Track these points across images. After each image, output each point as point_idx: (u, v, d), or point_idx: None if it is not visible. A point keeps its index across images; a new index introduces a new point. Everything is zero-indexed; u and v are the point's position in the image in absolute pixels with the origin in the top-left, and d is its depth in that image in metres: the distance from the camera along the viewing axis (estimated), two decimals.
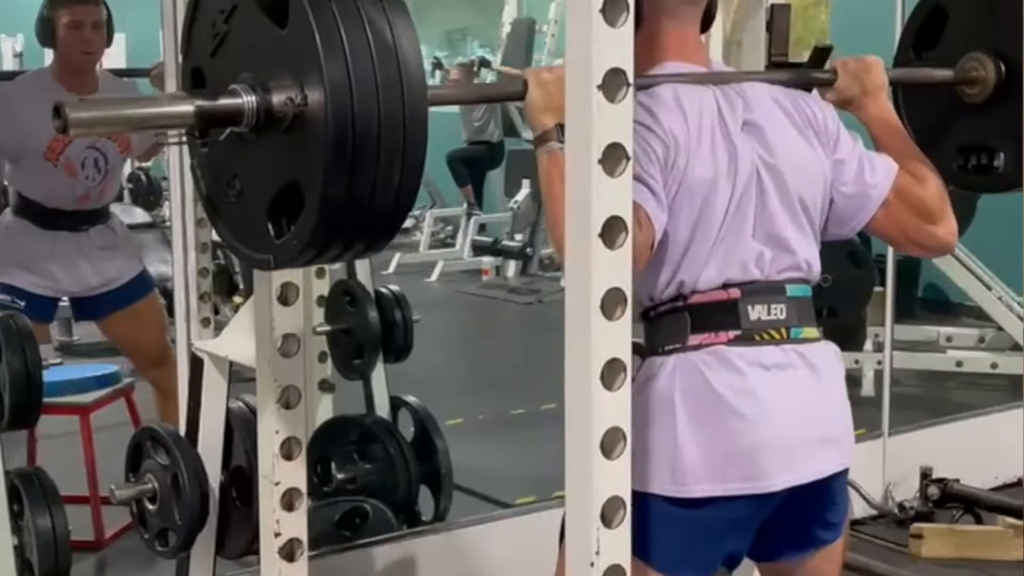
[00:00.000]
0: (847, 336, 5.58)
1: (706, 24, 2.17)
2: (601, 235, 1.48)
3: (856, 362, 5.68)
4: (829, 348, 2.11)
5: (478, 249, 9.01)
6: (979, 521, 4.20)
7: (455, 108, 10.12)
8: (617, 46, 1.46)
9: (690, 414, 1.96)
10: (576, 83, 1.48)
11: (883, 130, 2.26)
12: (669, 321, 2.03)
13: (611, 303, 1.49)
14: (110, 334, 4.42)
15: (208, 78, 1.72)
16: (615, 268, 1.50)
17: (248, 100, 1.60)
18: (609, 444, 1.51)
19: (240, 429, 2.70)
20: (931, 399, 5.79)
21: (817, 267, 2.11)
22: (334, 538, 3.58)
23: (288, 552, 2.34)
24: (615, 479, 1.52)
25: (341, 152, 1.53)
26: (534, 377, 5.68)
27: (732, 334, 2.01)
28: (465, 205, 9.76)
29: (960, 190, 2.40)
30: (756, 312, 2.02)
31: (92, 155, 4.12)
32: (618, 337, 1.51)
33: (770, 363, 2.01)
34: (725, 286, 2.02)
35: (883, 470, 4.23)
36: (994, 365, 5.88)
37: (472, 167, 9.97)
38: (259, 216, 1.66)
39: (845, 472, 2.11)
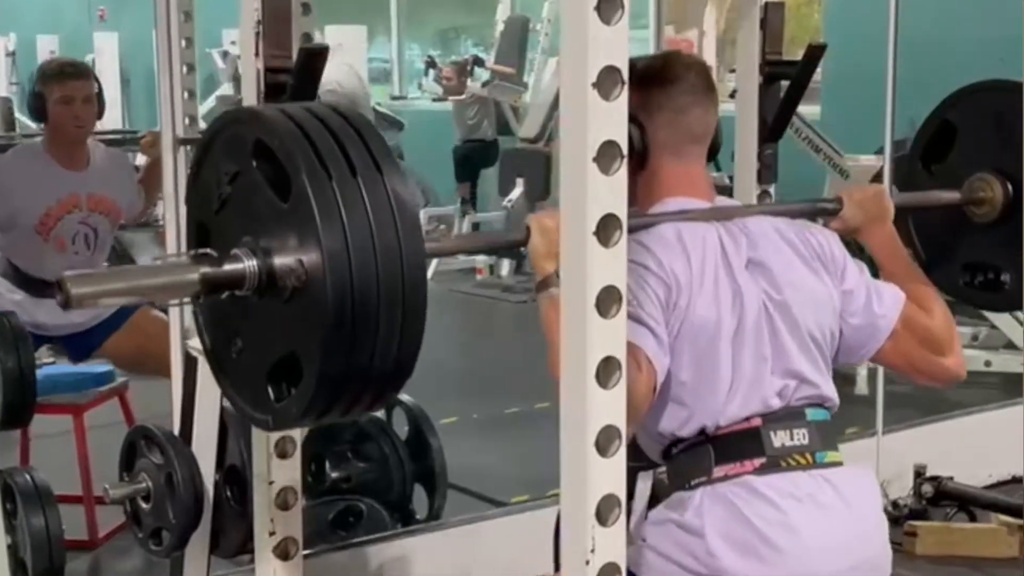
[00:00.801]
0: None
1: (711, 155, 2.17)
2: (596, 233, 1.48)
3: None
4: (855, 471, 2.09)
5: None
6: (973, 519, 4.21)
7: (449, 106, 10.13)
8: (612, 44, 1.46)
9: (723, 543, 1.94)
10: (571, 81, 1.48)
11: (888, 258, 2.25)
12: (692, 455, 2.01)
13: (606, 301, 1.49)
14: (118, 354, 4.36)
15: (212, 234, 1.73)
16: (610, 266, 1.50)
17: (250, 265, 1.62)
18: (604, 442, 1.51)
19: (234, 428, 2.70)
20: (925, 397, 5.77)
21: (835, 398, 2.09)
22: (328, 537, 3.58)
23: (283, 551, 2.34)
24: (610, 477, 1.52)
25: (340, 328, 1.54)
26: (528, 376, 5.66)
27: (758, 462, 1.99)
28: (459, 203, 9.74)
29: (966, 306, 2.38)
30: (779, 438, 2.00)
31: (83, 230, 4.21)
32: (613, 335, 1.50)
33: (800, 492, 1.98)
34: (747, 418, 2.00)
35: (877, 468, 4.23)
36: (988, 363, 5.89)
37: (466, 165, 9.96)
38: (259, 378, 1.67)
39: None
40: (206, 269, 1.64)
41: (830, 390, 2.08)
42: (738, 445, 1.99)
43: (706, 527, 1.95)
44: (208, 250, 1.68)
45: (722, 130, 2.21)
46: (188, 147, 3.31)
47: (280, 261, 1.60)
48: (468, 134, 9.91)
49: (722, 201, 2.17)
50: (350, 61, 8.33)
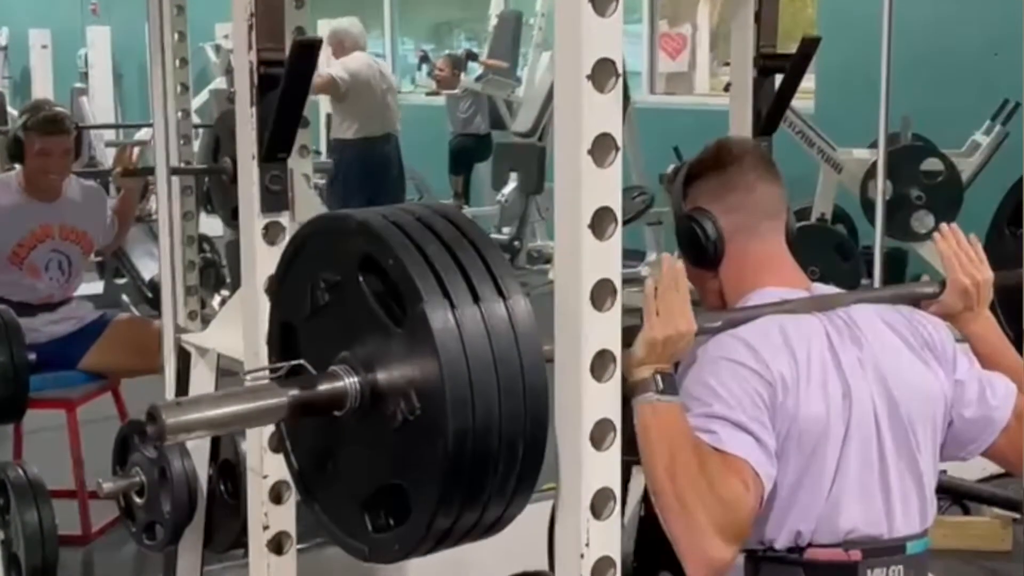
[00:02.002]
0: None
1: (788, 241, 2.09)
2: (591, 226, 1.48)
3: None
4: None
5: None
6: (967, 512, 4.21)
7: (442, 101, 10.12)
8: (606, 36, 1.45)
9: None
10: (565, 73, 1.48)
11: (988, 345, 2.15)
12: (781, 571, 1.91)
13: (601, 294, 1.49)
14: (107, 360, 4.37)
15: (303, 340, 1.59)
16: (605, 259, 1.49)
17: (351, 384, 1.47)
18: (599, 435, 1.50)
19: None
20: None
21: (934, 513, 2.01)
22: (323, 531, 3.57)
23: (276, 545, 2.33)
24: (605, 470, 1.51)
25: (459, 465, 1.41)
26: None
27: None
28: (452, 196, 9.73)
29: None
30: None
31: (56, 258, 4.29)
32: (608, 329, 1.50)
33: None
34: (845, 544, 1.90)
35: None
36: None
37: (460, 159, 9.96)
38: (354, 507, 1.54)
39: None
40: (296, 391, 1.48)
41: (931, 509, 1.99)
42: None
43: None
44: (302, 362, 1.52)
45: (792, 219, 2.12)
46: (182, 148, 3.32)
47: (387, 382, 1.46)
48: (461, 128, 9.91)
49: (819, 289, 2.08)
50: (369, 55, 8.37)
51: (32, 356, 4.21)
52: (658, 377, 1.78)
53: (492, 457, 1.42)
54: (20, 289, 4.20)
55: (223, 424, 1.57)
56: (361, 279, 1.49)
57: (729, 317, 1.95)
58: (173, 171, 3.24)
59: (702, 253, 2.05)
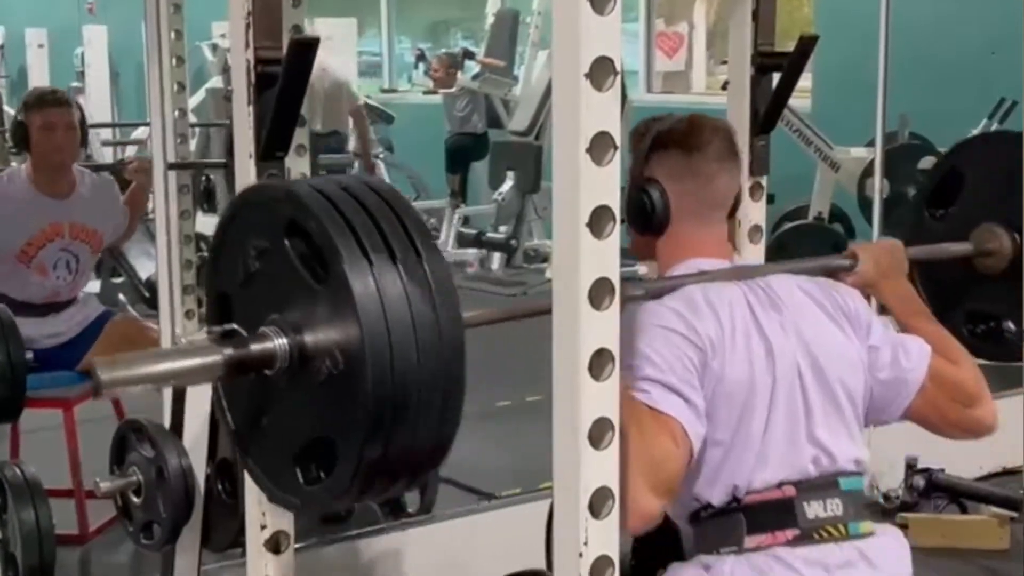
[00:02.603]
0: None
1: (731, 212, 2.16)
2: (589, 224, 1.47)
3: None
4: (887, 539, 2.07)
5: (463, 241, 9.00)
6: (964, 511, 4.22)
7: (439, 99, 10.11)
8: (604, 34, 1.45)
9: None
10: (563, 72, 1.48)
11: (907, 310, 2.23)
12: (722, 522, 1.98)
13: (599, 293, 1.49)
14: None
15: (237, 307, 1.68)
16: (603, 258, 1.49)
17: (280, 344, 1.56)
18: (597, 434, 1.50)
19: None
20: None
21: (866, 457, 2.06)
22: (320, 530, 3.57)
23: (274, 544, 2.33)
24: (603, 470, 1.51)
25: (380, 414, 1.49)
26: (519, 369, 5.66)
27: (790, 534, 1.96)
28: (449, 195, 9.72)
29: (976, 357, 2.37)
30: (813, 509, 1.97)
31: (64, 257, 4.26)
32: (606, 327, 1.50)
33: (833, 564, 1.96)
34: (780, 485, 1.97)
35: (868, 460, 4.23)
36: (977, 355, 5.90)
37: (456, 157, 9.96)
38: (286, 460, 1.62)
39: None
40: (230, 351, 1.58)
41: (863, 452, 2.05)
42: (771, 515, 1.96)
43: None
44: (234, 326, 1.62)
45: (743, 189, 2.22)
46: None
47: (313, 342, 1.54)
48: (458, 127, 9.90)
49: (740, 261, 2.16)
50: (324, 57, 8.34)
51: (30, 356, 4.24)
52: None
53: (413, 401, 1.51)
54: (25, 287, 4.17)
55: (158, 380, 1.65)
56: (287, 243, 1.57)
57: (652, 287, 2.04)
58: (171, 166, 3.24)
59: (645, 222, 2.12)
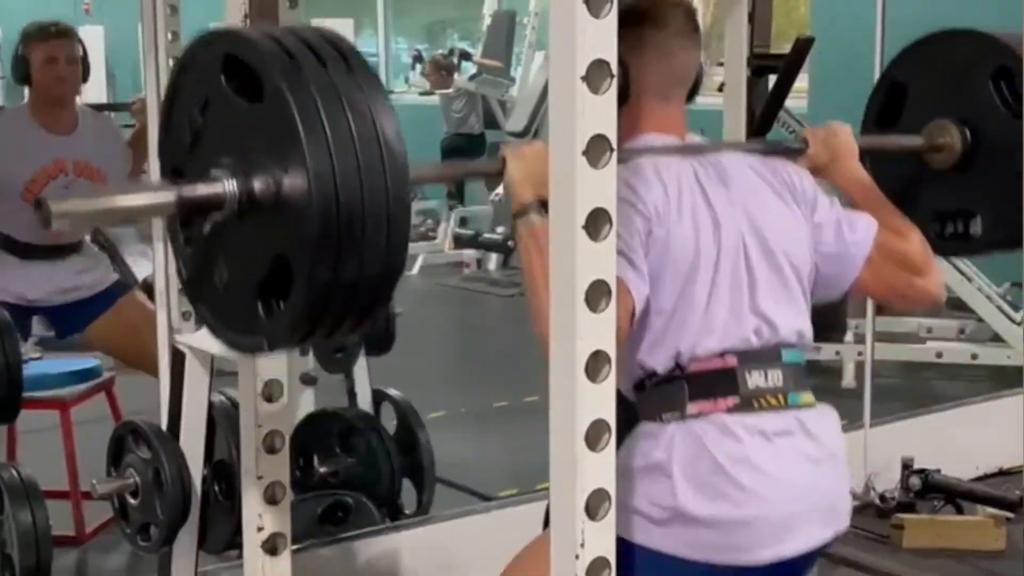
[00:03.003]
0: (828, 328, 5.61)
1: (690, 95, 2.18)
2: (585, 227, 1.48)
3: (837, 354, 5.70)
4: (827, 414, 2.10)
5: (459, 242, 9.00)
6: (960, 511, 4.22)
7: (436, 100, 10.11)
8: (601, 37, 1.45)
9: (688, 480, 1.95)
10: (560, 75, 1.48)
11: (858, 191, 2.27)
12: (667, 389, 2.01)
13: (596, 295, 1.49)
14: (101, 342, 4.35)
15: (187, 173, 1.70)
16: (599, 260, 1.50)
17: (228, 184, 1.60)
18: (594, 436, 1.50)
19: (222, 423, 2.69)
20: (912, 390, 5.81)
21: (810, 335, 2.10)
22: (317, 532, 3.57)
23: (271, 546, 2.33)
24: (600, 471, 1.52)
25: (327, 223, 1.52)
26: (516, 370, 5.67)
27: (731, 401, 2.00)
28: (446, 195, 9.72)
29: (938, 256, 2.40)
30: (754, 379, 2.01)
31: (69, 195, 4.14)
32: (603, 329, 1.50)
33: (770, 431, 2.00)
34: (722, 354, 2.01)
35: (864, 461, 4.24)
36: (974, 356, 5.91)
37: (453, 158, 9.96)
38: (249, 298, 1.64)
39: (836, 537, 2.09)
40: (184, 189, 1.62)
41: (805, 325, 2.09)
42: (712, 383, 2.00)
43: (674, 464, 1.96)
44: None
45: (704, 70, 2.23)
46: None
47: (260, 176, 1.58)
48: (455, 127, 9.91)
49: (693, 138, 2.18)
50: None
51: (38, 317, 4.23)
52: (537, 202, 1.87)
53: (358, 218, 1.53)
54: (30, 227, 4.06)
55: (109, 214, 1.72)
56: (225, 82, 1.61)
57: None
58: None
59: None
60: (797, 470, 2.01)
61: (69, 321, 4.24)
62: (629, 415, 2.06)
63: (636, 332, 1.97)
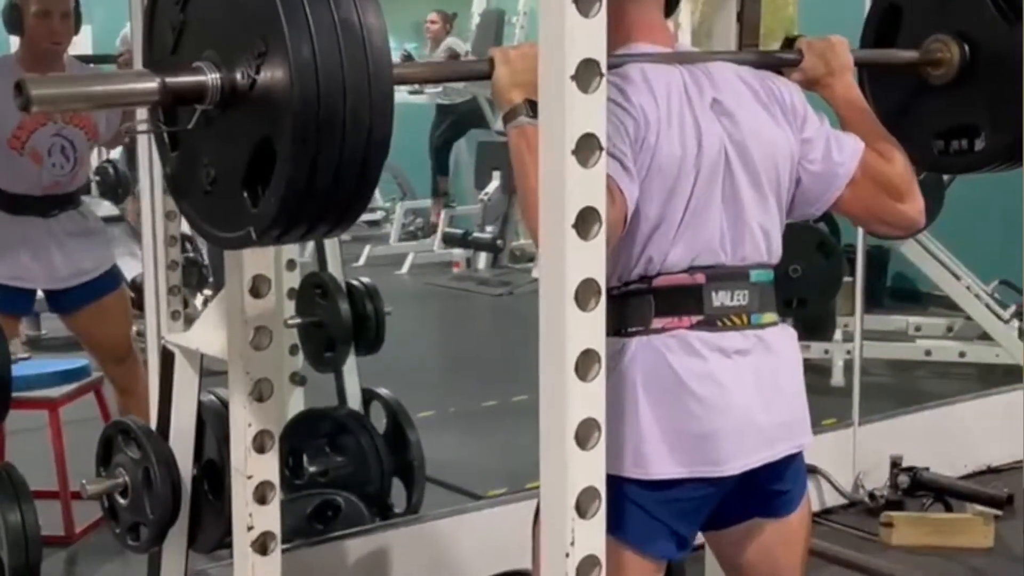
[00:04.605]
0: (817, 326, 5.61)
1: (669, 9, 2.19)
2: (575, 226, 1.48)
3: (826, 352, 5.71)
4: (786, 331, 2.13)
5: (449, 241, 9.00)
6: (949, 509, 4.23)
7: (424, 99, 10.10)
8: (590, 36, 1.46)
9: (651, 397, 1.99)
10: (549, 74, 1.48)
11: (849, 109, 2.27)
12: (634, 303, 2.04)
13: (585, 294, 1.49)
14: (75, 328, 4.38)
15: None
16: (589, 259, 1.50)
17: (212, 76, 1.63)
18: (584, 435, 1.51)
19: (212, 422, 2.69)
20: (900, 388, 5.82)
21: (779, 250, 2.12)
22: (307, 531, 3.57)
23: (261, 545, 2.33)
24: (590, 470, 1.52)
25: (307, 107, 1.55)
26: (506, 369, 5.69)
27: (695, 319, 2.03)
28: (440, 194, 9.70)
29: (945, 173, 2.40)
30: (719, 298, 2.04)
31: (59, 142, 4.11)
32: (592, 328, 1.51)
33: (730, 348, 2.03)
34: (691, 269, 2.03)
35: (853, 459, 4.25)
36: (962, 354, 5.92)
37: (444, 153, 9.95)
38: (235, 191, 1.67)
39: (799, 454, 2.14)
40: (167, 77, 1.64)
41: (777, 240, 2.12)
42: (678, 300, 2.03)
43: (637, 379, 1.99)
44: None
45: None
46: None
47: (241, 64, 1.60)
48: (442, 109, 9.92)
49: (683, 47, 2.19)
50: None
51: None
52: (527, 104, 1.87)
53: (339, 107, 1.55)
54: (23, 177, 4.05)
55: (92, 100, 1.74)
56: None
57: None
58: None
59: None
60: (755, 384, 2.05)
61: (61, 301, 4.26)
62: None
63: (624, 237, 1.98)
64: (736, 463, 2.03)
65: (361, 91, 1.56)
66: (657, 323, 2.02)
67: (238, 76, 1.60)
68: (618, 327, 2.03)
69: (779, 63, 2.26)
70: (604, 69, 1.47)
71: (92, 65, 4.59)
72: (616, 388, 1.98)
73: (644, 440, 1.98)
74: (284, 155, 1.58)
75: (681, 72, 2.07)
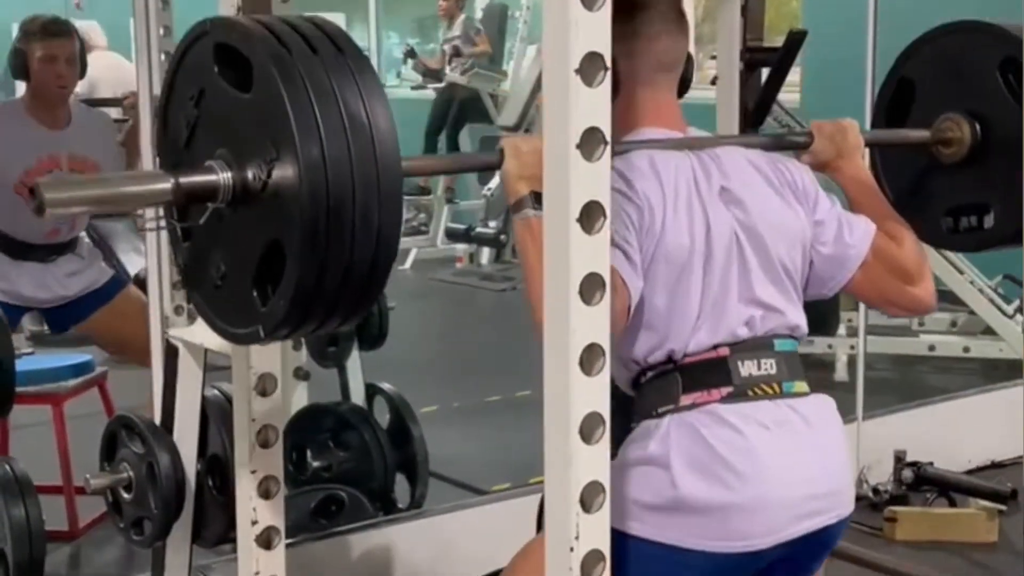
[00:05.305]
0: (821, 322, 5.61)
1: (682, 90, 2.18)
2: (579, 220, 1.48)
3: (830, 347, 5.71)
4: (822, 401, 2.09)
5: (452, 236, 8.99)
6: (953, 504, 4.23)
7: (429, 94, 10.10)
8: (594, 30, 1.45)
9: (687, 469, 1.95)
10: (553, 68, 1.48)
11: (859, 191, 2.27)
12: (660, 383, 2.02)
13: (590, 288, 1.49)
14: (96, 334, 4.35)
15: (184, 166, 1.72)
16: (593, 254, 1.50)
17: (224, 175, 1.62)
18: (588, 429, 1.51)
19: (216, 417, 2.69)
20: (904, 383, 5.82)
21: (804, 327, 2.10)
22: (310, 526, 3.57)
23: (265, 540, 2.33)
24: (594, 464, 1.52)
25: (317, 207, 1.54)
26: (509, 364, 5.68)
27: (725, 391, 1.99)
28: (443, 190, 9.70)
29: (954, 251, 2.40)
30: (747, 368, 2.01)
31: None
32: (597, 322, 1.50)
33: (766, 420, 1.99)
34: (715, 347, 2.01)
35: (857, 454, 4.25)
36: (966, 349, 5.92)
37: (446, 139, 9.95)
38: (245, 288, 1.66)
39: (839, 523, 2.09)
40: (180, 178, 1.64)
41: (799, 319, 2.09)
42: (705, 374, 2.00)
43: (671, 454, 1.95)
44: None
45: (693, 62, 2.22)
46: None
47: (253, 163, 1.60)
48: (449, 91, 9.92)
49: (694, 132, 2.18)
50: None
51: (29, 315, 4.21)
52: (533, 196, 1.87)
53: (348, 200, 1.55)
54: (26, 223, 4.06)
55: (105, 201, 1.74)
56: (217, 71, 1.64)
57: None
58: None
59: None
60: (793, 456, 2.00)
61: (63, 318, 4.24)
62: (625, 410, 2.07)
63: (631, 327, 1.97)
64: (772, 537, 1.99)
65: (370, 193, 1.56)
66: (686, 399, 1.99)
67: (250, 176, 1.60)
68: (647, 410, 2.02)
69: (789, 146, 2.26)
70: (608, 64, 1.47)
71: (98, 110, 4.60)
72: (648, 461, 1.97)
73: (676, 508, 1.95)
74: (294, 258, 1.58)
75: (690, 159, 2.06)
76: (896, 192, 2.38)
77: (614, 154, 2.01)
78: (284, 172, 1.56)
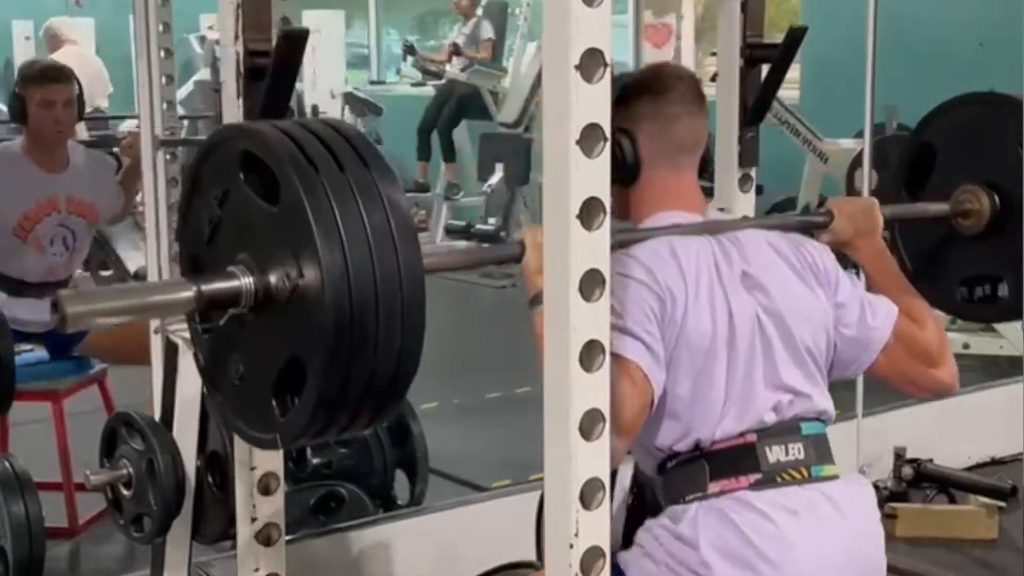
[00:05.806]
0: None
1: (703, 169, 2.18)
2: (579, 216, 1.48)
3: None
4: (854, 481, 2.09)
5: (452, 233, 8.99)
6: (952, 501, 4.23)
7: (428, 91, 10.09)
8: (595, 25, 1.45)
9: (717, 555, 1.94)
10: (554, 64, 1.48)
11: (878, 269, 2.27)
12: (687, 470, 2.01)
13: (589, 285, 1.49)
14: (99, 350, 4.35)
15: (206, 264, 1.72)
16: (593, 250, 1.49)
17: (246, 281, 1.62)
18: (588, 426, 1.50)
19: (215, 414, 2.69)
20: None
21: (831, 411, 2.09)
22: (310, 523, 3.57)
23: (265, 537, 2.33)
24: (594, 461, 1.52)
25: (340, 325, 1.53)
26: (509, 361, 5.66)
27: (753, 478, 1.99)
28: (445, 185, 9.69)
29: (966, 321, 2.41)
30: (774, 454, 2.00)
31: (62, 233, 4.22)
32: (596, 318, 1.50)
33: (795, 506, 1.98)
34: (742, 433, 2.01)
35: (857, 450, 4.24)
36: (966, 345, 5.92)
37: (448, 144, 9.95)
38: (264, 396, 1.66)
39: None
40: (202, 285, 1.63)
41: (825, 402, 2.08)
42: (733, 461, 1.99)
43: (700, 538, 1.95)
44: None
45: (713, 142, 2.24)
46: (167, 149, 3.33)
47: (276, 271, 1.59)
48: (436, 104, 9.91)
49: (714, 215, 2.18)
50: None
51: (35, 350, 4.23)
52: None
53: (372, 314, 1.54)
54: (23, 264, 4.12)
55: (129, 312, 1.71)
56: (243, 178, 1.64)
57: (622, 237, 2.06)
58: (161, 143, 3.25)
59: (617, 172, 2.12)
60: (825, 543, 1.99)
61: (62, 341, 4.24)
62: (643, 500, 2.10)
63: (655, 416, 1.96)
64: None
65: (393, 304, 1.55)
66: (714, 487, 1.99)
67: (272, 283, 1.60)
68: (675, 496, 2.02)
69: (809, 226, 2.25)
70: (608, 59, 1.47)
71: (96, 152, 4.64)
72: (676, 549, 1.97)
73: None
74: (315, 375, 1.57)
75: (711, 244, 2.06)
76: (912, 260, 2.38)
77: (632, 241, 2.03)
78: (307, 284, 1.56)
